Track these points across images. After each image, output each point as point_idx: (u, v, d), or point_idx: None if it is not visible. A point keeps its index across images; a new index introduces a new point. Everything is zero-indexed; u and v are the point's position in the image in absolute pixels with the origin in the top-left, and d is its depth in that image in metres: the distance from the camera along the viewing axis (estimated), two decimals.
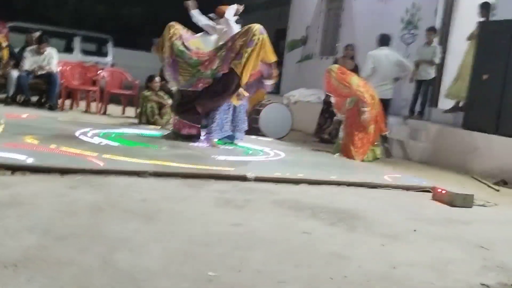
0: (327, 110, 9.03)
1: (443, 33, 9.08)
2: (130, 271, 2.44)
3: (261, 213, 3.79)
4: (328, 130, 9.02)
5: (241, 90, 6.77)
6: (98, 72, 10.46)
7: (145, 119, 8.51)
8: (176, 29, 6.94)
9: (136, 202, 3.67)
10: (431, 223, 4.07)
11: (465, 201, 4.81)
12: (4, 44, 9.45)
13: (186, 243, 2.94)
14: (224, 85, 6.67)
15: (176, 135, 6.94)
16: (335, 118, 8.46)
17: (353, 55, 9.26)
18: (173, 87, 7.22)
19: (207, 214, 3.61)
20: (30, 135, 5.66)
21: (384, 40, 8.40)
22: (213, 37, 7.33)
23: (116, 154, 5.07)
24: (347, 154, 7.11)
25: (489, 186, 6.17)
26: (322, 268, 2.79)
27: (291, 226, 3.54)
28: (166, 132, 7.25)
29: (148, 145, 6.17)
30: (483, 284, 2.79)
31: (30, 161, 4.29)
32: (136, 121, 8.78)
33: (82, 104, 10.13)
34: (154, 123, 8.36)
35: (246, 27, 6.75)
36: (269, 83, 7.09)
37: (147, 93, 8.63)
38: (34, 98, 9.52)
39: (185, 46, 6.85)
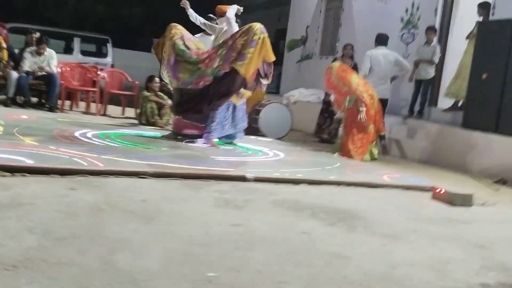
0: (326, 110, 9.04)
1: (442, 33, 9.09)
2: (130, 271, 2.44)
3: (261, 213, 3.79)
4: (328, 130, 9.03)
5: (242, 89, 6.78)
6: (98, 73, 10.47)
7: (145, 119, 8.51)
8: (178, 29, 7.01)
9: (136, 202, 3.67)
10: (430, 223, 4.08)
11: (464, 201, 4.82)
12: (4, 45, 9.44)
13: (186, 243, 2.94)
14: (227, 85, 6.68)
15: (177, 135, 6.94)
16: (335, 116, 8.46)
17: (352, 54, 9.26)
18: (172, 87, 7.20)
19: (207, 214, 3.62)
20: (30, 136, 5.67)
21: (381, 40, 8.37)
22: (212, 38, 7.35)
23: (116, 155, 5.08)
24: (346, 153, 7.12)
25: (489, 186, 6.17)
26: (322, 268, 2.80)
27: (291, 226, 3.54)
28: (166, 133, 7.26)
29: (148, 146, 6.17)
30: (482, 284, 2.80)
31: (30, 162, 4.30)
32: (136, 121, 8.78)
33: (82, 105, 10.13)
34: (154, 124, 8.36)
35: (246, 25, 6.75)
36: (265, 82, 7.09)
37: (147, 93, 8.63)
38: (34, 99, 9.52)
39: (186, 46, 6.88)
